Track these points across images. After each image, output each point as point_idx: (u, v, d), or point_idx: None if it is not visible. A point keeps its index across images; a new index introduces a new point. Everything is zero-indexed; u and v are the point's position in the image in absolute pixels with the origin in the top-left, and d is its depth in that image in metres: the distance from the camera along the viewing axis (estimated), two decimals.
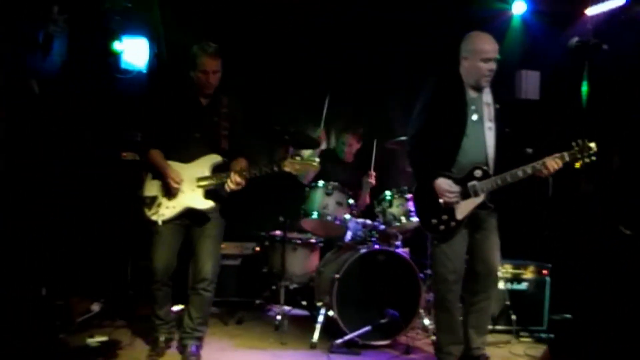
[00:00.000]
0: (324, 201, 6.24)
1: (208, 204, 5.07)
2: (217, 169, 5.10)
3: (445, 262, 4.92)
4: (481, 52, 4.82)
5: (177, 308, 6.31)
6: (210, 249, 5.17)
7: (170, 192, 5.02)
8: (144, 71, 7.00)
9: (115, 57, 6.81)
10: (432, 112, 4.89)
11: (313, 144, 6.87)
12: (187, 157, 5.11)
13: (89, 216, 6.70)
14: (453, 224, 4.86)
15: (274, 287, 6.53)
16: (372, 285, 5.86)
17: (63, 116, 5.97)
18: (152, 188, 5.10)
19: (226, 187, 5.00)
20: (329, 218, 6.21)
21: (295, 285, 6.45)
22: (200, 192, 5.06)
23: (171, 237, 5.14)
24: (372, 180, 6.88)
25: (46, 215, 5.90)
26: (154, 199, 5.06)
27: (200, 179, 5.05)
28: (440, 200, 4.84)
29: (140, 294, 6.54)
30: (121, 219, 6.73)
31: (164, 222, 5.02)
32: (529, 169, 4.71)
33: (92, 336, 5.51)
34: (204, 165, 5.10)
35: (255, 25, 7.29)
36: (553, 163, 4.66)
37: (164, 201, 5.05)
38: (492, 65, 4.83)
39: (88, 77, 6.55)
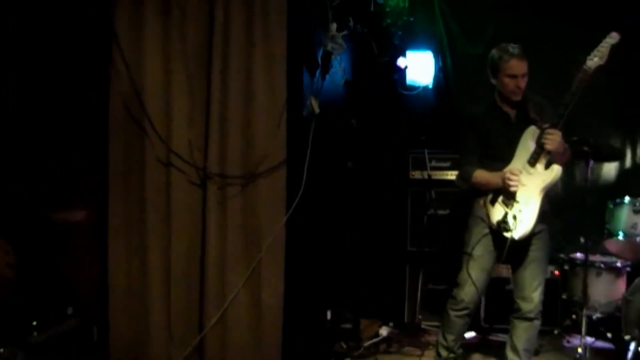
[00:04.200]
0: (632, 219, 5.65)
1: (552, 170, 4.56)
2: (538, 140, 4.59)
3: None
4: None
5: (469, 335, 6.00)
6: (535, 271, 4.77)
7: (513, 196, 4.59)
8: (430, 87, 6.76)
9: (400, 73, 6.65)
10: None
11: (616, 156, 6.27)
12: (509, 157, 4.71)
13: (378, 238, 6.62)
14: None
15: (574, 316, 6.00)
16: None
17: (346, 136, 5.90)
18: (497, 211, 4.71)
19: (547, 147, 4.49)
20: (637, 239, 5.61)
21: (598, 315, 5.82)
22: (540, 169, 4.59)
23: (488, 262, 4.82)
24: None
25: (335, 236, 5.89)
26: (505, 217, 4.62)
27: (530, 160, 4.59)
28: None
29: (428, 318, 6.35)
30: (412, 241, 6.57)
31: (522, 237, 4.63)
32: None
33: None
34: (525, 146, 4.64)
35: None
36: None
37: (515, 210, 4.61)
38: None
39: (373, 94, 6.47)
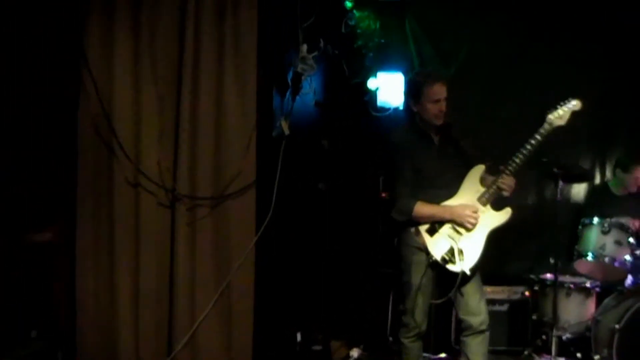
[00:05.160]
0: (601, 240, 5.66)
1: (506, 212, 4.64)
2: (484, 179, 4.69)
3: None
4: None
5: (439, 356, 6.01)
6: (476, 284, 4.73)
7: (465, 230, 4.59)
8: (401, 108, 6.76)
9: (371, 94, 6.65)
10: None
11: (586, 177, 6.36)
12: (453, 190, 4.70)
13: (350, 259, 6.60)
14: None
15: (544, 337, 5.98)
16: None
17: (318, 157, 5.90)
18: (439, 243, 4.63)
19: (504, 193, 4.61)
20: (606, 260, 5.61)
21: (568, 335, 5.82)
22: (489, 209, 4.64)
23: (430, 287, 4.72)
24: None
25: (307, 257, 5.88)
26: (451, 251, 4.58)
27: (480, 198, 4.63)
28: None
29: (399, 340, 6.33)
30: (382, 261, 6.55)
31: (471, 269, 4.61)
32: None
33: None
34: (473, 183, 4.68)
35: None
36: None
37: (462, 244, 4.59)
38: None
39: (344, 116, 6.47)
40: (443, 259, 4.58)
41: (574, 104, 4.64)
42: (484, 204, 4.62)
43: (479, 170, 4.69)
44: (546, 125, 4.60)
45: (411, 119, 4.87)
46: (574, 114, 4.65)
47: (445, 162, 4.73)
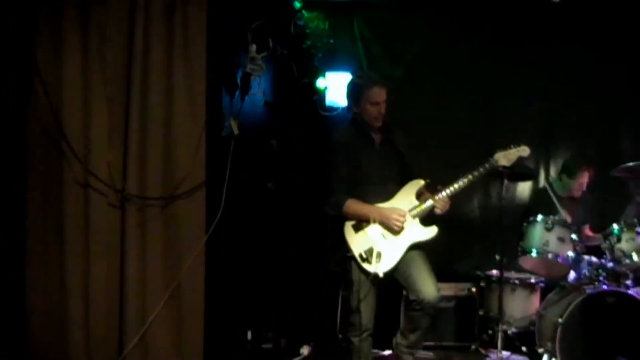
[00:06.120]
0: (544, 237, 5.73)
1: (432, 230, 4.81)
2: (420, 194, 4.86)
3: None
4: None
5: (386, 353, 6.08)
6: (420, 266, 4.82)
7: (390, 234, 4.73)
8: None
9: (319, 94, 6.68)
10: None
11: (530, 176, 6.49)
12: (386, 195, 4.84)
13: (301, 258, 6.62)
14: None
15: (490, 332, 6.07)
16: (601, 330, 5.25)
17: (267, 157, 5.92)
18: (361, 240, 4.73)
19: (436, 211, 4.79)
20: (550, 256, 5.69)
21: (514, 330, 5.95)
22: (417, 222, 4.80)
23: (370, 281, 4.78)
24: None
25: (258, 256, 5.89)
26: (369, 251, 4.67)
27: (411, 210, 4.79)
28: None
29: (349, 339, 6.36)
30: (331, 259, 6.58)
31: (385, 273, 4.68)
32: None
33: None
34: (409, 195, 4.85)
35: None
36: None
37: (383, 248, 4.69)
38: None
39: (293, 115, 6.48)
40: (360, 256, 4.69)
41: (523, 149, 5.04)
42: (414, 217, 4.79)
43: (417, 184, 4.88)
44: (487, 165, 4.97)
45: (353, 119, 5.04)
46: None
47: (383, 161, 4.89)
